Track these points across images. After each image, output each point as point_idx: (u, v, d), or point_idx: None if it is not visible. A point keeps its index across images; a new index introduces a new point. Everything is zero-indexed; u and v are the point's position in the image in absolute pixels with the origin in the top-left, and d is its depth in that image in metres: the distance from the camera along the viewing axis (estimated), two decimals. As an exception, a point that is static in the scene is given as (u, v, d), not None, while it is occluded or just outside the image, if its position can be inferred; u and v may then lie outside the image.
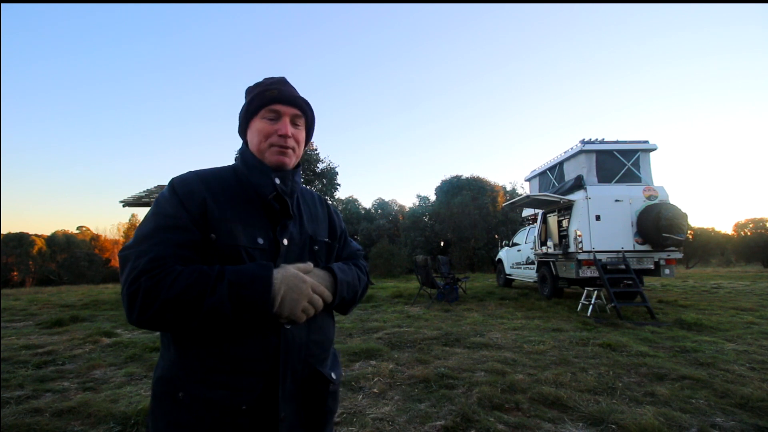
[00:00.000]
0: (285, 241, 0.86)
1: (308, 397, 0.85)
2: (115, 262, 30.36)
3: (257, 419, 0.77)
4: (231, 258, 0.79)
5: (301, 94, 0.94)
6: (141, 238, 0.76)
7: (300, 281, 0.79)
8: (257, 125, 0.89)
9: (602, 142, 7.91)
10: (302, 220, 0.93)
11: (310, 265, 0.85)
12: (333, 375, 0.90)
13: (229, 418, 0.75)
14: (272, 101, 0.88)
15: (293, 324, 0.81)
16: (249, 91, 0.94)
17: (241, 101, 0.95)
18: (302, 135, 0.94)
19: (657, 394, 2.79)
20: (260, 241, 0.83)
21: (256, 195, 0.87)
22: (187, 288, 0.70)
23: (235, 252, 0.80)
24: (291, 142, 0.89)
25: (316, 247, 0.94)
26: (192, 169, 0.88)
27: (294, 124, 0.91)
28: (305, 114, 0.93)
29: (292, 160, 0.91)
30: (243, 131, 0.94)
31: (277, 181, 0.87)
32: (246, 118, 0.91)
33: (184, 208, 0.79)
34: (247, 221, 0.83)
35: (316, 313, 0.82)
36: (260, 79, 0.96)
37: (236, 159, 0.94)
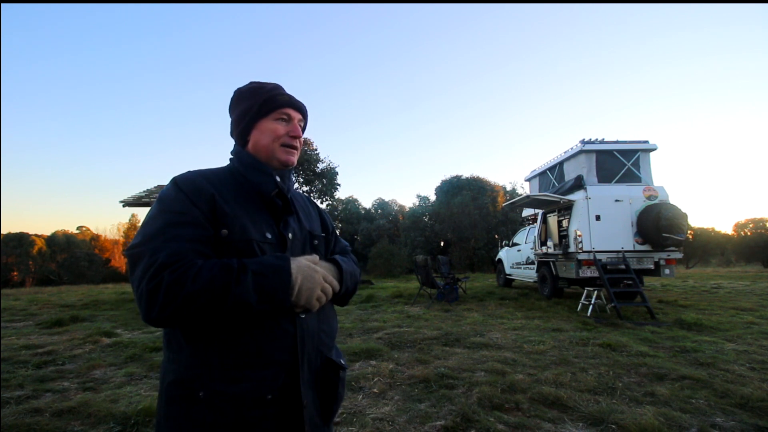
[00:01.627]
0: (289, 236, 0.90)
1: (323, 384, 0.89)
2: (115, 262, 30.37)
3: (282, 408, 0.80)
4: (244, 252, 0.81)
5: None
6: (151, 235, 0.75)
7: (313, 271, 0.83)
8: (269, 125, 0.93)
9: (602, 142, 7.91)
10: (299, 216, 0.98)
11: (316, 257, 0.89)
12: (342, 361, 0.96)
13: (255, 410, 0.77)
14: (285, 105, 0.94)
15: (307, 312, 0.85)
16: (247, 93, 0.95)
17: None
18: (302, 139, 1.01)
19: (657, 394, 2.79)
20: (269, 235, 0.86)
21: (256, 193, 0.90)
22: (212, 279, 0.71)
23: (249, 246, 0.82)
24: (298, 144, 0.97)
25: (316, 242, 0.99)
26: (191, 170, 0.89)
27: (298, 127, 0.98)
28: (305, 120, 1.01)
29: (296, 160, 0.98)
30: (247, 131, 0.94)
31: (277, 178, 0.91)
32: (254, 119, 0.93)
33: (194, 204, 0.80)
34: (253, 217, 0.86)
35: (326, 301, 0.87)
36: (247, 83, 0.98)
37: (231, 160, 0.96)
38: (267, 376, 0.79)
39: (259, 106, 0.92)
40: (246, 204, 0.87)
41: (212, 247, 0.80)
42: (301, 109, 0.97)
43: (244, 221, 0.83)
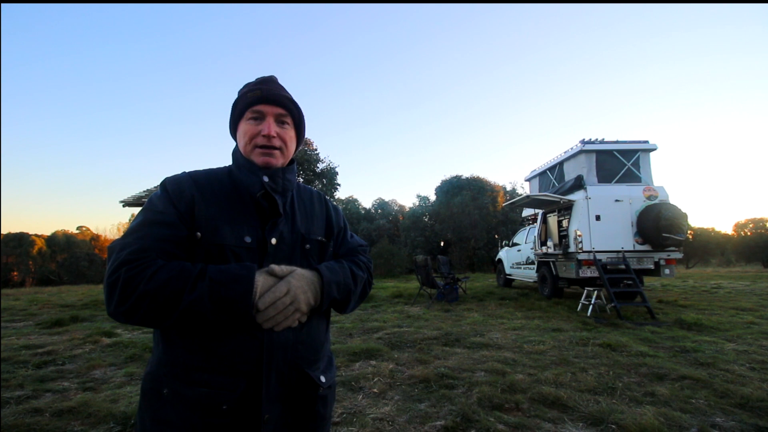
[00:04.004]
0: (273, 240, 0.85)
1: (295, 400, 0.83)
2: (115, 262, 30.31)
3: (239, 420, 0.76)
4: (216, 257, 0.79)
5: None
6: (128, 232, 0.77)
7: (295, 287, 0.78)
8: (243, 127, 0.89)
9: (602, 142, 7.91)
10: (294, 218, 0.91)
11: (291, 267, 0.83)
12: (322, 378, 0.88)
13: (210, 417, 0.74)
14: (255, 102, 0.87)
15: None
16: (239, 93, 0.94)
17: None
18: (290, 134, 0.92)
19: (657, 394, 2.79)
20: (247, 239, 0.82)
21: (246, 194, 0.86)
22: (167, 282, 0.70)
23: (221, 251, 0.79)
24: (276, 142, 0.88)
25: (308, 246, 0.91)
26: (187, 170, 0.89)
27: (280, 123, 0.90)
28: (291, 112, 0.91)
29: (279, 161, 0.89)
30: (233, 133, 0.95)
31: (266, 179, 0.86)
32: (234, 121, 0.92)
33: (173, 204, 0.80)
34: (235, 220, 0.83)
35: (304, 318, 0.82)
36: (252, 80, 0.95)
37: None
38: (224, 384, 0.75)
39: (233, 108, 0.90)
40: (233, 206, 0.84)
41: (186, 249, 0.78)
42: (277, 101, 0.88)
43: (220, 224, 0.80)
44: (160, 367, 0.79)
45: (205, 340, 0.76)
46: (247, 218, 0.84)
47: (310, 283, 0.82)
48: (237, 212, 0.84)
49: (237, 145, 0.94)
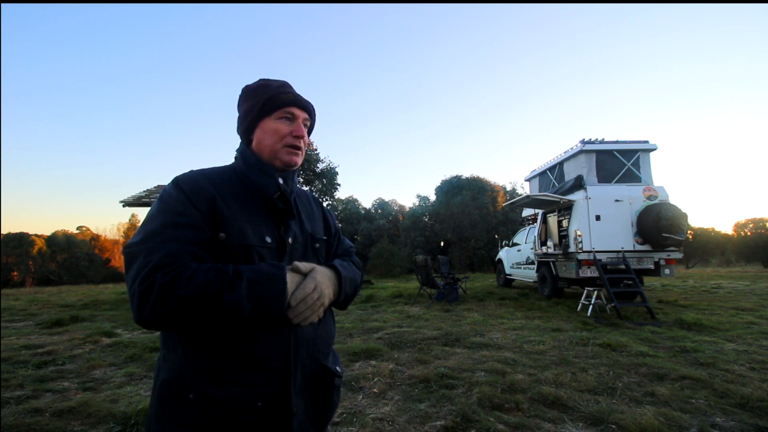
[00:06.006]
0: (290, 240, 0.88)
1: (316, 392, 0.88)
2: (115, 262, 30.35)
3: (271, 415, 0.79)
4: (241, 257, 0.79)
5: (302, 94, 0.96)
6: (149, 234, 0.74)
7: (316, 282, 0.81)
8: (272, 125, 0.89)
9: (602, 142, 7.91)
10: (301, 219, 0.95)
11: (312, 264, 0.87)
12: (338, 369, 0.94)
13: (244, 415, 0.76)
14: (289, 104, 0.90)
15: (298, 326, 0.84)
16: (253, 91, 0.93)
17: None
18: (307, 138, 0.97)
19: (657, 394, 2.79)
20: (268, 239, 0.84)
21: (259, 194, 0.87)
22: (206, 284, 0.69)
23: (246, 251, 0.80)
24: (302, 144, 0.93)
25: (317, 245, 0.96)
26: (193, 169, 0.88)
27: (303, 126, 0.94)
28: (312, 119, 0.97)
29: (300, 160, 0.94)
30: (250, 130, 0.92)
31: (280, 180, 0.89)
32: (257, 118, 0.90)
33: (193, 205, 0.78)
34: (254, 220, 0.84)
35: (323, 311, 0.86)
36: (257, 80, 0.96)
37: (236, 159, 0.94)
38: (258, 382, 0.77)
39: (262, 104, 0.89)
40: (247, 205, 0.85)
41: (210, 250, 0.78)
42: (306, 108, 0.93)
43: (243, 225, 0.81)
44: (184, 372, 0.77)
45: (233, 341, 0.77)
46: (263, 219, 0.86)
47: (331, 279, 0.88)
48: (253, 213, 0.85)
49: (251, 143, 0.92)
